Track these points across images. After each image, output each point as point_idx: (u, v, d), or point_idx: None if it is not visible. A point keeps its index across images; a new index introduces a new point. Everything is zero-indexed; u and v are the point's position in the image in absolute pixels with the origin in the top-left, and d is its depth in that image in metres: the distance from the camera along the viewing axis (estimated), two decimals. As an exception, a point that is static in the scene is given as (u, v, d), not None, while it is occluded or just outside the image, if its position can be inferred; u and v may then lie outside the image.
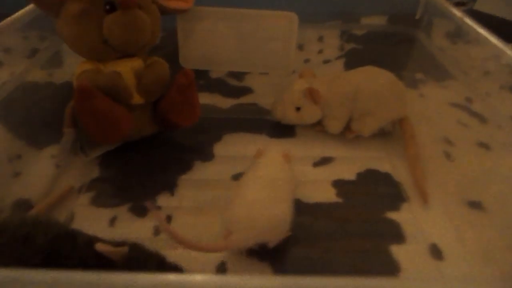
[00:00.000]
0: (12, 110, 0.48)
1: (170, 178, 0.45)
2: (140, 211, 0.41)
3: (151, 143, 0.49)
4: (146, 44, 0.44)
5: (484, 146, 0.45)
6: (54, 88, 0.57)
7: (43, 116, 0.51)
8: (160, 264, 0.28)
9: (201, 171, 0.46)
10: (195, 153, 0.49)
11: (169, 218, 0.40)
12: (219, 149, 0.50)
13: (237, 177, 0.45)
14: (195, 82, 0.45)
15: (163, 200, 0.42)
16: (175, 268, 0.29)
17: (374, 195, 0.44)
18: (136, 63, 0.45)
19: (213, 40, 0.53)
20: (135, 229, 0.39)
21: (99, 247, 0.27)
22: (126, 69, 0.43)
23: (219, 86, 0.61)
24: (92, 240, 0.28)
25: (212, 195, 0.43)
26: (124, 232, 0.39)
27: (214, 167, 0.47)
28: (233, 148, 0.50)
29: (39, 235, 0.28)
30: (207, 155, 0.49)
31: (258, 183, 0.37)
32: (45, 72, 0.60)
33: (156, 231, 0.39)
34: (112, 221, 0.40)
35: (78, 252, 0.27)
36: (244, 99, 0.59)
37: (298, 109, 0.50)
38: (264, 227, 0.33)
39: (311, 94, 0.48)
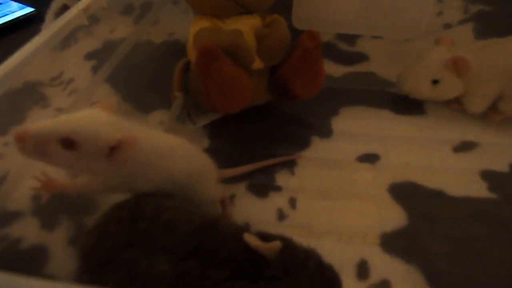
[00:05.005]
0: (118, 70, 0.45)
1: (288, 155, 0.40)
2: (260, 191, 0.37)
3: (262, 114, 0.44)
4: (273, -1, 0.38)
5: None
6: (153, 47, 0.53)
7: (146, 78, 0.48)
8: (318, 266, 0.24)
9: (320, 149, 0.41)
10: (311, 128, 0.43)
11: (292, 201, 0.36)
12: (338, 124, 0.44)
13: (362, 159, 0.40)
14: (321, 46, 0.39)
15: (283, 179, 0.38)
16: (331, 271, 0.24)
17: (535, 193, 0.36)
18: (256, 20, 0.40)
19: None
20: (256, 211, 0.35)
21: (248, 238, 0.23)
22: (247, 28, 0.38)
23: (328, 51, 0.54)
24: (237, 231, 0.24)
25: (336, 177, 0.38)
26: (244, 214, 0.35)
27: (334, 144, 0.41)
28: (354, 124, 0.43)
29: (183, 223, 0.24)
30: (325, 131, 0.43)
31: None
32: (143, 30, 0.56)
33: (281, 215, 0.35)
34: (230, 200, 0.36)
35: (226, 245, 0.23)
36: (359, 67, 0.52)
37: (435, 82, 0.42)
38: None
39: (457, 65, 0.40)
